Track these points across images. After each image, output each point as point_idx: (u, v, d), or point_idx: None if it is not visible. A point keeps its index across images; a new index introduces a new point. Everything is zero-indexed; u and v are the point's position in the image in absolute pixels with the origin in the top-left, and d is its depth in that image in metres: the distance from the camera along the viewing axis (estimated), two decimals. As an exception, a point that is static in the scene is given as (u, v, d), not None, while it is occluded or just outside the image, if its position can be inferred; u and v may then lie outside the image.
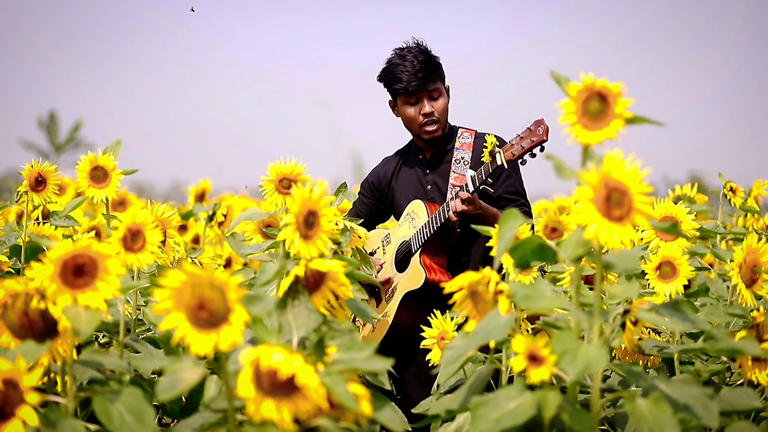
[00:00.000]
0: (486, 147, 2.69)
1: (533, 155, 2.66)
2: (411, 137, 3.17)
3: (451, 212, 2.79)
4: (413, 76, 2.99)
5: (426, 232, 2.92)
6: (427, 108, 3.00)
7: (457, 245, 2.99)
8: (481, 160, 2.76)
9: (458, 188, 2.84)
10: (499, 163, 2.66)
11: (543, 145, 2.63)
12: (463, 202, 2.75)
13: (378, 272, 3.09)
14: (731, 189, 3.03)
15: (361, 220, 2.40)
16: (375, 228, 3.28)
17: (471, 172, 2.78)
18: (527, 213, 2.98)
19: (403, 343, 2.92)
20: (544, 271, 2.56)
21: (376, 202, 3.23)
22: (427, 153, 3.11)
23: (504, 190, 2.97)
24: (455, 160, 3.00)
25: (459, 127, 3.10)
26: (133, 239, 1.80)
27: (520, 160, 2.67)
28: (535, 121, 2.62)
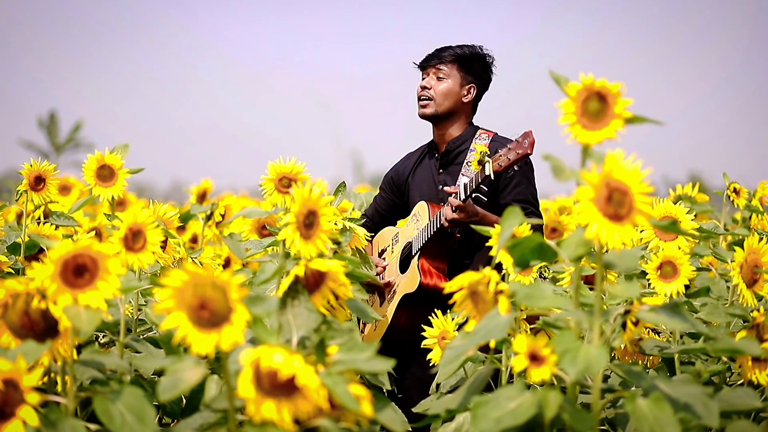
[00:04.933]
0: (475, 156, 2.69)
1: (519, 167, 2.64)
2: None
3: (443, 219, 2.80)
4: (432, 52, 3.12)
5: (424, 235, 2.92)
6: (423, 82, 3.09)
7: (458, 250, 2.98)
8: (470, 168, 2.76)
9: (451, 195, 2.83)
10: (487, 173, 2.63)
11: (528, 159, 2.61)
12: (453, 210, 2.76)
13: (381, 273, 3.10)
14: (735, 190, 3.02)
15: (363, 220, 2.40)
16: (395, 223, 3.30)
17: (464, 180, 2.78)
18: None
19: (400, 343, 2.93)
20: (544, 276, 2.56)
21: (395, 197, 3.24)
22: (440, 149, 3.11)
23: (513, 197, 2.92)
24: (467, 162, 2.99)
25: (479, 128, 3.09)
26: (134, 239, 1.80)
27: (511, 171, 2.65)
28: (523, 133, 2.60)
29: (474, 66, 3.09)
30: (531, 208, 2.95)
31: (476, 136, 3.05)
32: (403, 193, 3.21)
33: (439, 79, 3.07)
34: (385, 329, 3.01)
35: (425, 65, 3.10)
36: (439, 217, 2.84)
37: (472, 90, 3.09)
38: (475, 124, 3.12)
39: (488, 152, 2.66)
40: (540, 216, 2.99)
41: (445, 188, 2.87)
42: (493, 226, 2.78)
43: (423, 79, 3.11)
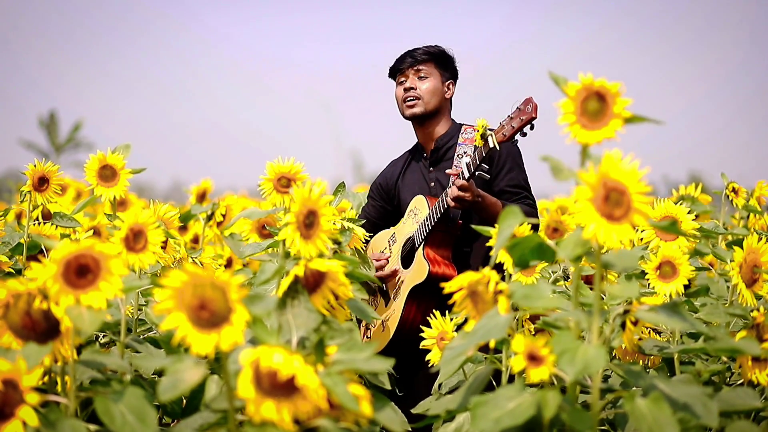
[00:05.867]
0: (477, 131, 2.69)
1: (524, 134, 2.64)
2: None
3: (449, 199, 2.80)
4: (402, 55, 3.13)
5: (428, 224, 2.93)
6: (407, 83, 3.09)
7: (460, 237, 2.99)
8: (474, 144, 2.76)
9: (455, 176, 2.84)
10: (491, 145, 2.64)
11: (533, 123, 2.61)
12: (459, 188, 2.76)
13: (383, 266, 3.10)
14: (733, 190, 3.03)
15: (363, 221, 2.40)
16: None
17: (466, 159, 2.78)
18: (531, 206, 2.96)
19: (411, 340, 2.92)
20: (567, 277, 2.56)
21: (384, 204, 3.24)
22: (428, 147, 3.12)
23: (506, 183, 2.95)
24: (458, 156, 3.00)
25: (463, 124, 3.11)
26: (135, 239, 1.80)
27: (513, 140, 2.66)
28: (524, 100, 2.61)
29: (448, 62, 3.12)
30: (524, 192, 2.97)
31: (462, 131, 3.07)
32: (393, 197, 3.22)
33: (421, 78, 3.08)
34: (395, 327, 3.00)
35: (401, 68, 3.10)
36: (444, 199, 2.84)
37: (451, 86, 3.13)
38: (456, 121, 3.15)
39: (489, 126, 2.67)
40: (533, 201, 3.01)
41: (447, 170, 2.89)
42: (493, 208, 2.81)
43: (401, 81, 3.11)
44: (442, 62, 3.11)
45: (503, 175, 2.96)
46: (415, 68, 3.08)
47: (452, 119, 3.16)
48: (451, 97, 3.15)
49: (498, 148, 2.64)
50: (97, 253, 1.47)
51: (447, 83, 3.11)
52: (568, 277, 2.55)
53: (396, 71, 3.13)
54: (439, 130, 3.11)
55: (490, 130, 2.66)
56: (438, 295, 2.80)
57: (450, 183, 2.86)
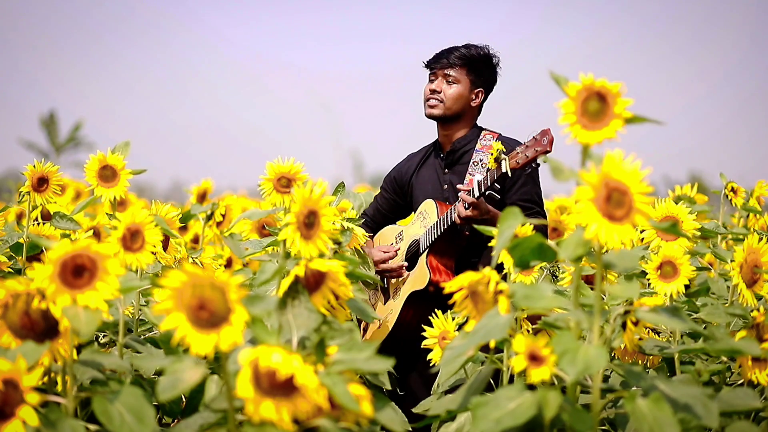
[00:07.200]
0: (492, 154, 2.68)
1: (537, 165, 2.63)
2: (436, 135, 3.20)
3: (456, 215, 2.80)
4: (440, 53, 3.11)
5: (434, 233, 2.93)
6: (433, 85, 3.08)
7: (466, 247, 2.99)
8: (487, 166, 2.75)
9: (465, 192, 2.84)
10: (503, 170, 2.63)
11: (546, 155, 2.60)
12: (467, 207, 2.77)
13: (391, 258, 3.11)
14: (732, 189, 3.03)
15: (362, 221, 2.40)
16: (395, 223, 3.30)
17: (479, 177, 2.77)
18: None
19: (406, 341, 2.93)
20: (555, 275, 2.56)
21: (396, 197, 3.24)
22: (445, 148, 3.11)
23: (518, 197, 2.93)
24: (473, 162, 2.99)
25: (483, 129, 3.10)
26: (132, 239, 1.80)
27: (529, 168, 2.65)
28: (542, 131, 2.60)
29: (483, 70, 3.09)
30: (536, 207, 2.95)
31: (481, 137, 3.05)
32: (406, 193, 3.21)
33: (449, 83, 3.05)
34: (392, 327, 3.02)
35: (434, 66, 3.09)
36: (451, 213, 2.84)
37: (480, 94, 3.09)
38: (479, 125, 3.13)
39: (504, 150, 2.67)
40: (544, 216, 2.98)
41: (458, 185, 2.88)
42: None
43: (431, 80, 3.09)
44: (476, 69, 3.07)
45: (517, 189, 2.94)
46: (446, 71, 3.05)
47: (474, 124, 3.13)
48: (478, 105, 3.10)
49: (510, 174, 2.63)
50: (93, 253, 1.46)
51: (476, 91, 3.07)
52: (555, 276, 2.55)
53: (429, 67, 3.12)
54: (458, 133, 3.09)
55: (506, 154, 2.65)
56: (436, 302, 2.80)
57: (459, 198, 2.86)
